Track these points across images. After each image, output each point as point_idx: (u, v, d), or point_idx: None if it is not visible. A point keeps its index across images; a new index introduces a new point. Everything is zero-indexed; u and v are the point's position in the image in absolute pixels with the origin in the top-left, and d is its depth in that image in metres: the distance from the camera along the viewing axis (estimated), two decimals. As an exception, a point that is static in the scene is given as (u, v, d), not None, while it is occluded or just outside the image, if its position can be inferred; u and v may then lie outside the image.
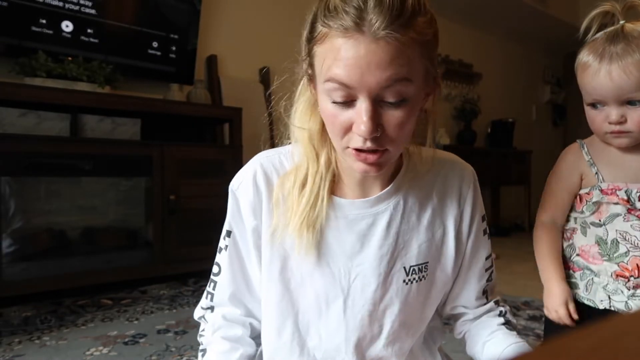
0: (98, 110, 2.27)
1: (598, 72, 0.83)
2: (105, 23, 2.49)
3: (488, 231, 0.79)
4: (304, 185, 0.67)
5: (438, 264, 0.73)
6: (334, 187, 0.70)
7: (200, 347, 0.77)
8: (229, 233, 0.74)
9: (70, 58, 2.28)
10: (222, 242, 0.75)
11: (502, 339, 0.75)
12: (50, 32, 2.31)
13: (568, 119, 6.41)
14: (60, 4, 2.33)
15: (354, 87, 0.55)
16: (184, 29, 2.77)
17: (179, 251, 2.40)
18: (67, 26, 2.36)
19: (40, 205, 2.10)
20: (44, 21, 2.29)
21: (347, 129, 0.58)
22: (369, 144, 0.57)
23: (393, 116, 0.57)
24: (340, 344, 0.70)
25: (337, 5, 0.54)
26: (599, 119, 0.89)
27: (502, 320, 0.79)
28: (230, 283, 0.75)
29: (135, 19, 2.60)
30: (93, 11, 2.44)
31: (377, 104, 0.56)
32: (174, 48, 2.74)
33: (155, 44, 2.66)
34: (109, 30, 2.51)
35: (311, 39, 0.59)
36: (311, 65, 0.60)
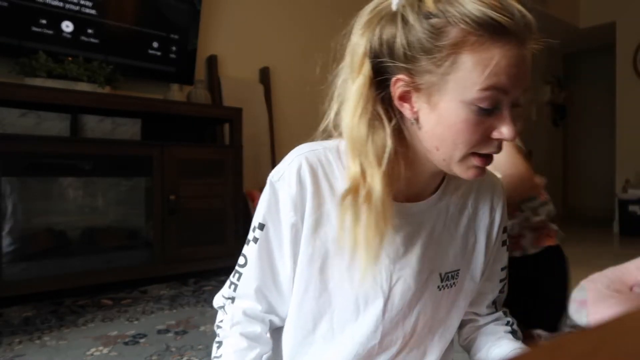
0: (98, 111, 2.27)
1: None
2: (105, 23, 2.49)
3: (507, 242, 0.80)
4: (358, 191, 0.62)
5: (467, 272, 0.74)
6: None
7: (217, 339, 0.74)
8: (261, 226, 0.69)
9: (70, 58, 2.28)
10: (251, 234, 0.71)
11: (507, 344, 0.77)
12: (51, 32, 2.32)
13: (568, 119, 6.41)
14: (61, 4, 2.33)
15: (510, 93, 0.57)
16: (184, 29, 2.77)
17: (179, 251, 2.40)
18: (67, 26, 2.36)
19: (40, 205, 2.10)
20: (44, 21, 2.29)
21: (486, 137, 0.59)
22: (500, 148, 0.61)
23: (514, 119, 0.60)
24: (375, 345, 0.69)
25: (487, 13, 0.55)
26: None
27: (509, 329, 0.81)
28: (256, 276, 0.71)
29: (135, 19, 2.60)
30: (93, 11, 2.44)
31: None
32: (174, 48, 2.74)
33: (155, 44, 2.66)
34: (109, 31, 2.51)
35: (441, 47, 0.56)
36: (436, 74, 0.57)
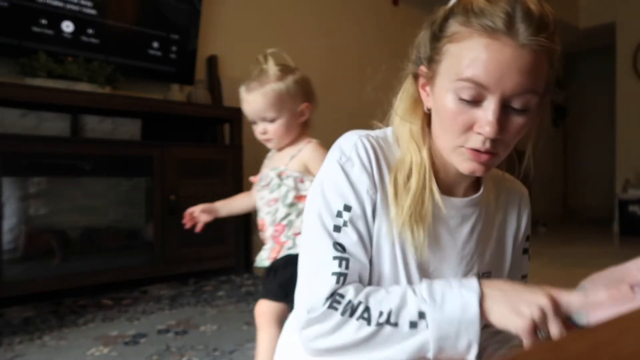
0: (98, 111, 2.27)
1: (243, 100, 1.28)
2: (105, 23, 2.49)
3: (529, 252, 0.81)
4: (409, 177, 0.66)
5: (496, 276, 0.75)
6: None
7: (357, 315, 0.61)
8: (347, 207, 0.66)
9: (70, 58, 2.28)
10: (338, 220, 0.66)
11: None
12: (51, 32, 2.32)
13: (568, 119, 6.41)
14: (61, 4, 2.33)
15: (488, 88, 0.57)
16: (185, 29, 2.77)
17: (179, 251, 2.40)
18: (67, 26, 2.37)
19: (40, 206, 2.10)
20: (44, 21, 2.29)
21: (468, 128, 0.60)
22: (487, 145, 0.59)
23: (515, 123, 0.60)
24: None
25: (483, 8, 0.56)
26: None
27: None
28: (363, 257, 0.66)
29: (135, 19, 2.60)
30: (94, 11, 2.44)
31: (504, 108, 0.58)
32: (174, 48, 2.74)
33: (155, 44, 2.67)
34: (110, 31, 2.51)
35: (441, 37, 0.60)
36: (436, 62, 0.61)
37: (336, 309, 0.62)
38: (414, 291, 0.60)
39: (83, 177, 2.20)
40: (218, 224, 2.67)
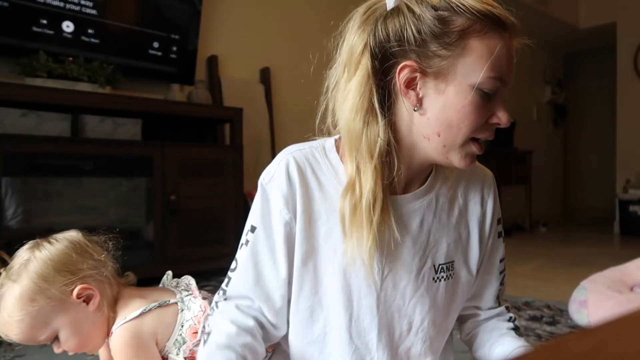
0: (99, 111, 2.27)
1: None
2: (106, 23, 2.49)
3: (503, 234, 0.81)
4: (359, 199, 0.63)
5: (463, 264, 0.75)
6: None
7: (205, 330, 0.72)
8: (253, 228, 0.71)
9: (71, 58, 2.28)
10: (243, 238, 0.72)
11: (510, 342, 0.76)
12: (51, 32, 2.32)
13: (569, 119, 6.41)
14: (61, 4, 2.33)
15: (505, 82, 0.62)
16: (185, 30, 2.77)
17: (179, 251, 2.40)
18: (68, 26, 2.37)
19: (41, 206, 2.10)
20: (44, 21, 2.29)
21: (486, 120, 0.63)
22: (493, 135, 0.65)
23: None
24: (372, 339, 0.69)
25: (487, 8, 0.60)
26: None
27: (511, 325, 0.81)
28: (245, 280, 0.70)
29: (136, 20, 2.60)
30: (94, 11, 2.44)
31: None
32: (174, 48, 2.74)
33: (156, 45, 2.67)
34: (110, 31, 2.51)
35: (448, 32, 0.60)
36: (443, 57, 0.60)
37: (209, 315, 0.75)
38: None
39: (83, 177, 2.20)
40: (218, 224, 2.67)
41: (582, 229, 5.14)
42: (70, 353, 0.89)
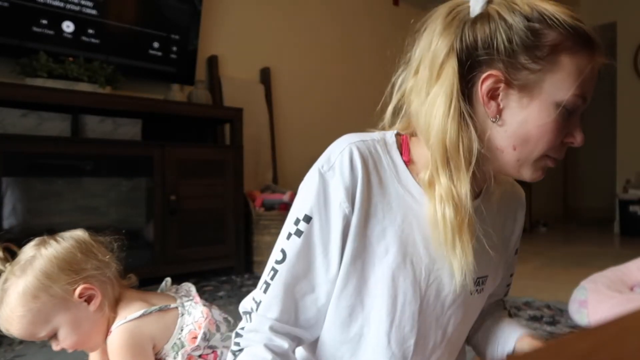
0: (99, 111, 2.27)
1: None
2: (106, 23, 2.49)
3: (518, 251, 0.82)
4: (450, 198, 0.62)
5: (492, 278, 0.74)
6: None
7: (234, 347, 0.68)
8: (307, 218, 0.64)
9: (71, 58, 2.28)
10: (292, 227, 0.65)
11: (510, 328, 0.78)
12: (51, 32, 2.32)
13: (569, 119, 6.40)
14: (61, 4, 2.33)
15: (586, 102, 0.62)
16: (185, 30, 2.77)
17: (179, 251, 2.40)
18: (68, 26, 2.37)
19: (41, 206, 2.10)
20: (45, 21, 2.29)
21: (562, 140, 0.62)
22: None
23: None
24: (409, 347, 0.67)
25: (579, 25, 0.59)
26: None
27: (505, 312, 0.84)
28: (294, 274, 0.65)
29: (136, 20, 2.60)
30: (94, 11, 2.44)
31: None
32: (174, 48, 2.74)
33: (156, 45, 2.67)
34: (110, 31, 2.51)
35: (539, 46, 0.59)
36: (532, 70, 0.59)
37: (242, 328, 0.68)
38: None
39: (83, 177, 2.20)
40: (218, 224, 2.67)
41: (582, 229, 5.14)
42: (69, 350, 0.90)
